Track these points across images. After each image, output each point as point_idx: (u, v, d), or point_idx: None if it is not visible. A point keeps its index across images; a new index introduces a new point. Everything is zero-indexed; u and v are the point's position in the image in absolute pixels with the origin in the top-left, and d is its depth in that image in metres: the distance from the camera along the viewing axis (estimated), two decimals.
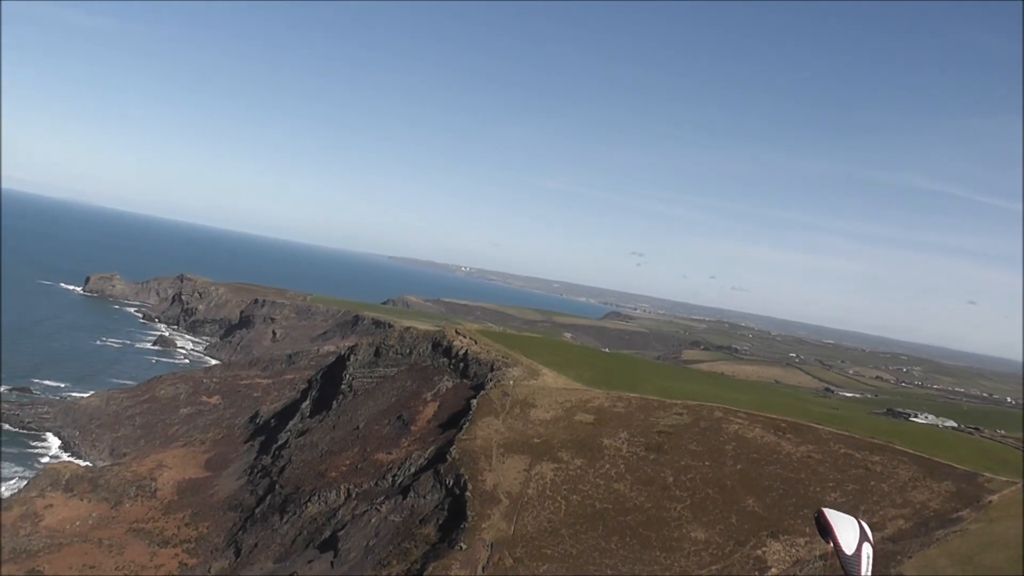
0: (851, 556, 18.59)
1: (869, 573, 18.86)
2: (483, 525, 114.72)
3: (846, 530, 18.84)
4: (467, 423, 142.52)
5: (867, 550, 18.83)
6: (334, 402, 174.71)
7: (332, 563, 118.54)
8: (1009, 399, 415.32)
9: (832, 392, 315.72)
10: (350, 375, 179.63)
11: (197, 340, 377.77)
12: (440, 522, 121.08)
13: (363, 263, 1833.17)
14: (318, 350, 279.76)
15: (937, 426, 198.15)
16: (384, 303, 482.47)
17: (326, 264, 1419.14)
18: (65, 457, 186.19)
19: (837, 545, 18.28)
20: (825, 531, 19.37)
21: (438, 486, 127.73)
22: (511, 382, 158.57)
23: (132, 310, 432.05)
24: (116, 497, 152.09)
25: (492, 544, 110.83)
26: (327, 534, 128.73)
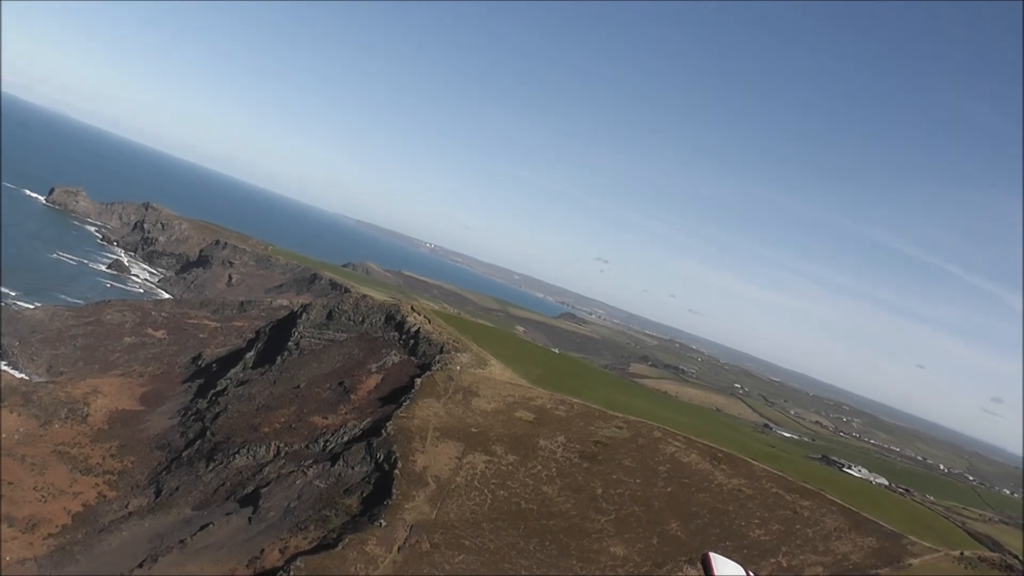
0: None
1: None
2: (406, 505, 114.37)
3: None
4: (408, 401, 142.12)
5: None
6: (279, 357, 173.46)
7: (250, 519, 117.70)
8: (942, 467, 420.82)
9: (771, 429, 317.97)
10: (299, 333, 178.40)
11: (152, 271, 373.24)
12: (364, 495, 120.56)
13: (330, 223, 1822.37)
14: (271, 302, 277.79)
15: (870, 481, 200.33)
16: (344, 266, 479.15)
17: (293, 217, 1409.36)
18: (1, 366, 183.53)
19: None
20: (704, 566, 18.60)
21: (368, 459, 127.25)
22: (458, 367, 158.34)
23: (92, 229, 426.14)
24: (47, 416, 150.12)
25: (412, 526, 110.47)
26: (250, 489, 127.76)
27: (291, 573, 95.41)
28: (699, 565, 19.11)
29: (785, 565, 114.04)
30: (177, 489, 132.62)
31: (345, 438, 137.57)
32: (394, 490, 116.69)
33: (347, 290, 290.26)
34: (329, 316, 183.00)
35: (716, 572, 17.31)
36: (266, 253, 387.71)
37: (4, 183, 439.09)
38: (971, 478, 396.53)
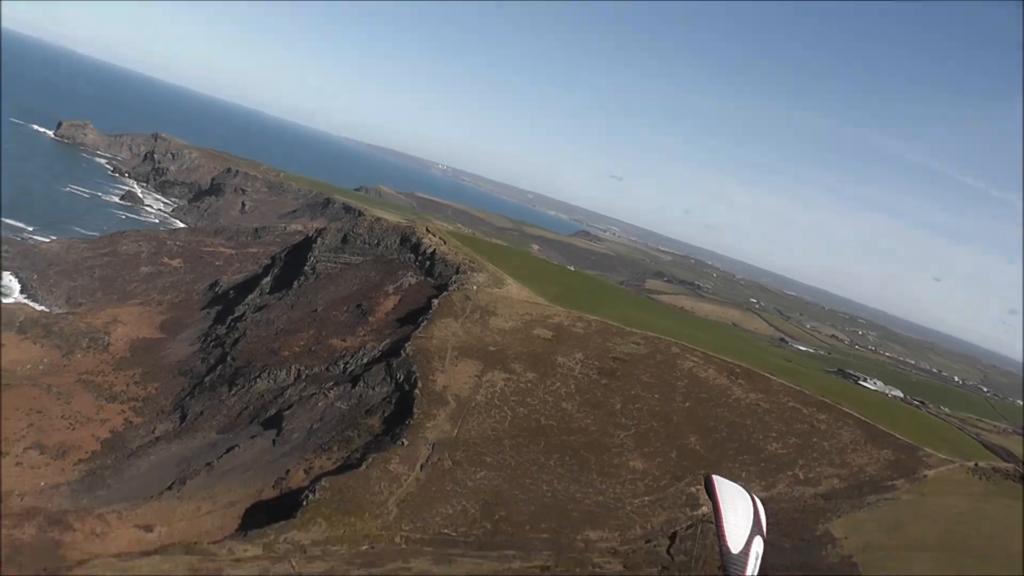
0: (736, 555, 17.00)
1: None
2: (428, 424, 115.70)
3: (735, 514, 17.34)
4: (425, 321, 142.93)
5: (757, 547, 17.20)
6: (295, 282, 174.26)
7: (274, 441, 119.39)
8: (957, 379, 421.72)
9: (787, 343, 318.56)
10: (315, 258, 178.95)
11: (165, 201, 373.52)
12: (386, 415, 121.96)
13: (340, 147, 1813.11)
14: (285, 228, 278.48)
15: (885, 394, 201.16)
16: (357, 189, 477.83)
17: (303, 143, 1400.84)
18: (21, 299, 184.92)
19: (721, 535, 16.90)
20: (709, 493, 18.33)
21: (388, 379, 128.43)
22: (475, 287, 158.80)
23: (103, 162, 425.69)
24: (68, 346, 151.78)
25: (434, 444, 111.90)
26: (272, 412, 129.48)
27: (317, 493, 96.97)
28: (703, 486, 19.01)
29: (802, 478, 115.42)
30: (201, 414, 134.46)
31: (364, 360, 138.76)
32: (415, 409, 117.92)
33: (360, 213, 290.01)
34: (344, 240, 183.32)
35: (719, 493, 17.30)
36: (278, 179, 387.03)
37: (11, 119, 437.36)
38: (985, 390, 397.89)
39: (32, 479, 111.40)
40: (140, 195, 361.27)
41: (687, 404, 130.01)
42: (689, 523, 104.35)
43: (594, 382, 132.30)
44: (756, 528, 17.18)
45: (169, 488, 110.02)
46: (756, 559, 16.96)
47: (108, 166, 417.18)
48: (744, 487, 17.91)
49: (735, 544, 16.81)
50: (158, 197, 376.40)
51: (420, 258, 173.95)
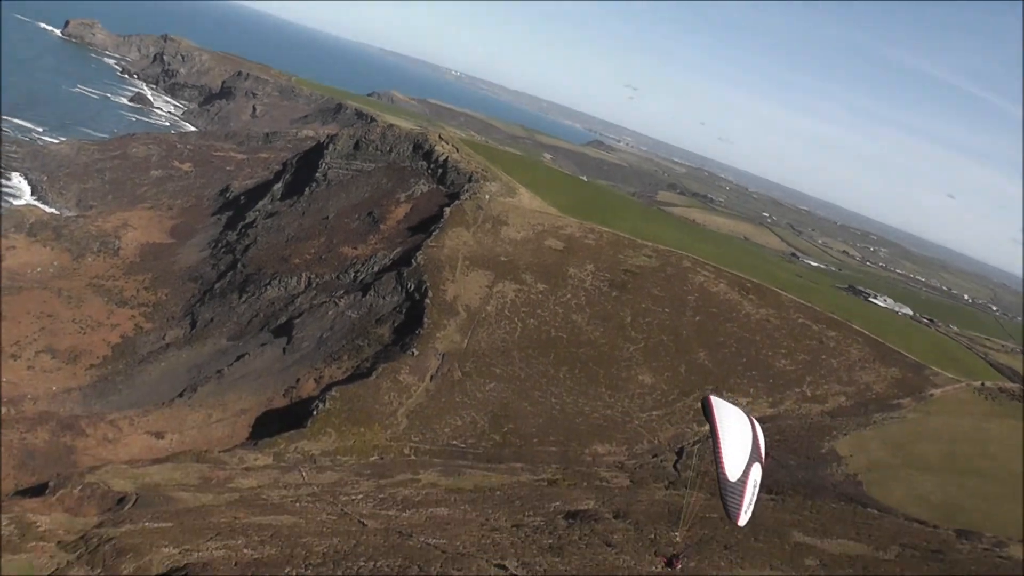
0: (734, 484, 16.13)
1: (751, 510, 16.59)
2: (438, 334, 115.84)
3: (734, 440, 16.44)
4: (437, 230, 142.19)
5: (755, 475, 16.36)
6: (307, 189, 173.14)
7: (284, 349, 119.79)
8: (967, 297, 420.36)
9: (798, 258, 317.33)
10: (326, 164, 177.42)
11: (175, 104, 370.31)
12: (396, 325, 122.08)
13: (353, 52, 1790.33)
14: (296, 133, 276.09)
15: (895, 311, 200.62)
16: (369, 95, 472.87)
17: (314, 47, 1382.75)
18: (31, 200, 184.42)
19: (719, 463, 16.03)
20: (706, 415, 17.57)
21: (399, 289, 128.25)
22: (487, 196, 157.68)
23: (111, 62, 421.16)
24: (79, 249, 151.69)
25: (444, 355, 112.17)
26: (283, 320, 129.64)
27: (327, 403, 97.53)
28: (700, 407, 18.28)
29: (809, 395, 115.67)
30: (212, 320, 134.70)
31: (375, 268, 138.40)
32: (425, 319, 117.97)
33: (373, 119, 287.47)
34: (356, 146, 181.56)
35: (717, 417, 16.58)
36: (289, 84, 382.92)
37: (16, 15, 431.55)
38: (995, 308, 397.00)
39: (44, 383, 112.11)
40: (150, 97, 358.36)
41: (697, 319, 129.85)
42: (696, 439, 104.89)
43: (605, 295, 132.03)
44: (755, 455, 16.55)
45: (180, 395, 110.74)
46: (754, 488, 16.33)
47: (117, 67, 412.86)
48: (743, 410, 17.29)
49: (733, 472, 16.16)
50: (168, 100, 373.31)
51: (432, 166, 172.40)
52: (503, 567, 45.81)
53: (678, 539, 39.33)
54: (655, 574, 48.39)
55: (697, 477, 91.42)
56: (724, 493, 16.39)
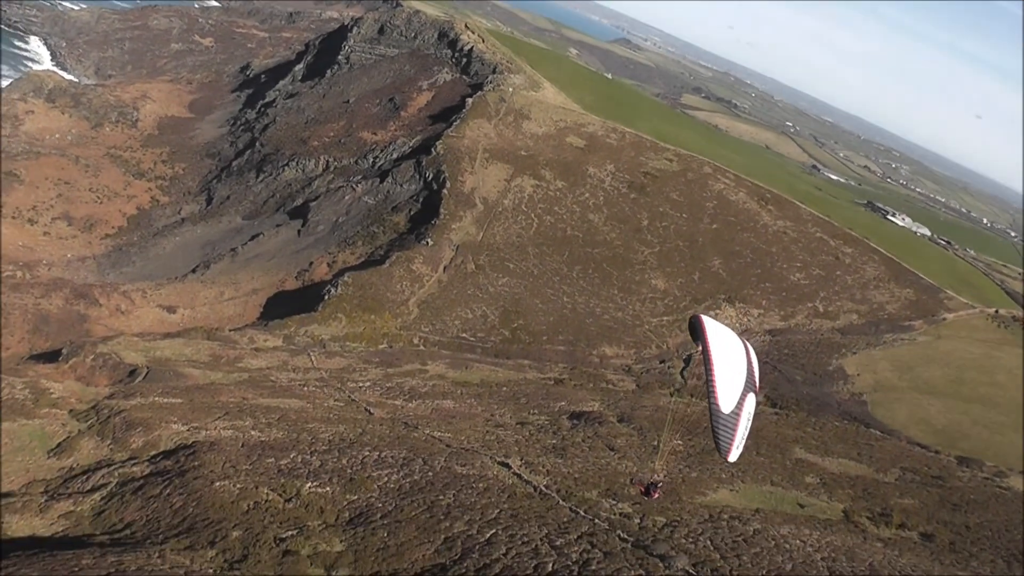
0: (727, 416, 15.14)
1: (743, 445, 15.74)
2: (453, 226, 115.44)
3: (728, 367, 15.46)
4: (458, 121, 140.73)
5: (749, 406, 15.35)
6: (328, 71, 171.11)
7: (299, 231, 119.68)
8: (985, 220, 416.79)
9: (818, 170, 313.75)
10: (350, 47, 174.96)
11: None
12: (412, 213, 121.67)
13: None
14: (321, 14, 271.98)
15: (913, 231, 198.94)
16: None
17: None
18: (50, 66, 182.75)
19: (712, 392, 15.12)
20: (697, 338, 16.63)
21: (417, 177, 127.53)
22: (510, 89, 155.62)
23: None
24: (97, 118, 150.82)
25: (458, 246, 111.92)
26: (299, 202, 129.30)
27: (339, 288, 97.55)
28: (689, 328, 17.28)
29: (821, 310, 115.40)
30: (228, 198, 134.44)
31: (394, 155, 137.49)
32: (442, 210, 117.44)
33: (399, 4, 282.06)
34: (381, 31, 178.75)
35: (710, 341, 15.81)
36: None
37: None
38: (1013, 234, 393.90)
39: (59, 250, 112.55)
40: None
41: (714, 226, 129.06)
42: None
43: (623, 196, 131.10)
44: (749, 384, 15.92)
45: (193, 271, 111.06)
46: (748, 420, 15.71)
47: None
48: (737, 334, 16.57)
49: (727, 403, 15.50)
50: None
51: (457, 55, 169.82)
52: (506, 465, 46.05)
53: (657, 468, 39.11)
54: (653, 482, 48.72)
55: (681, 398, 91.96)
56: (716, 426, 15.58)
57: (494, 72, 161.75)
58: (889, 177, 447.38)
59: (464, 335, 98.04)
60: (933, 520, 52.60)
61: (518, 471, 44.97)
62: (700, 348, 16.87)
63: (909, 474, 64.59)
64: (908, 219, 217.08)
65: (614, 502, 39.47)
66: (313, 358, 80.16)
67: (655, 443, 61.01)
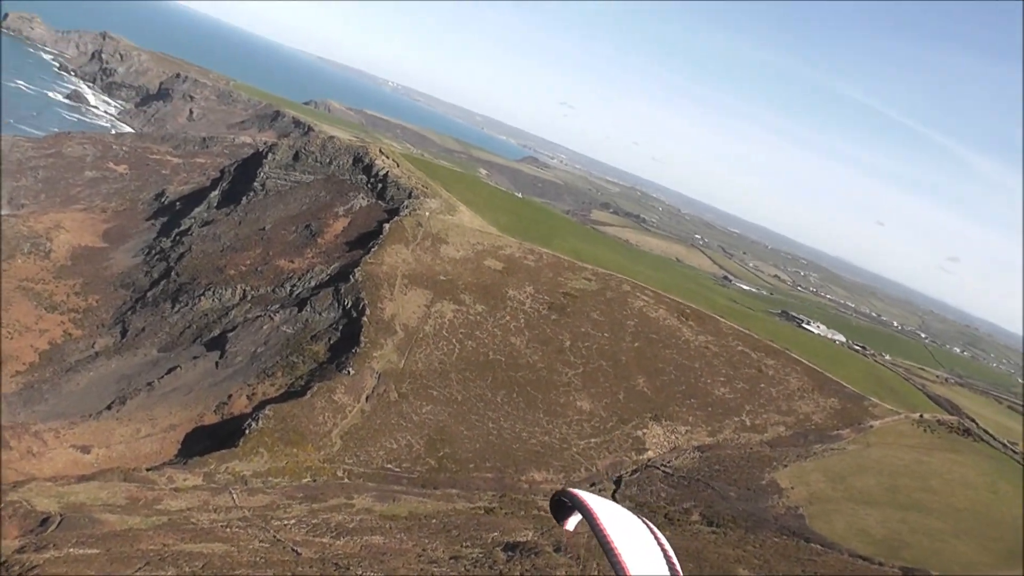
0: None
1: None
2: (375, 354, 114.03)
3: (631, 540, 13.64)
4: (376, 247, 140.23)
5: None
6: (244, 198, 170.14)
7: (217, 363, 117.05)
8: (896, 323, 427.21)
9: (730, 281, 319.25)
10: (265, 174, 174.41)
11: (112, 103, 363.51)
12: (332, 342, 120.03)
13: (290, 58, 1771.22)
14: (234, 139, 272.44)
15: (828, 339, 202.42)
16: (306, 103, 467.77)
17: (251, 52, 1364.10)
18: None
19: (615, 559, 13.24)
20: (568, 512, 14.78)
21: (336, 305, 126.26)
22: (427, 213, 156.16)
23: (48, 57, 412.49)
24: (9, 250, 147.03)
25: (380, 374, 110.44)
26: (216, 332, 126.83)
27: (259, 421, 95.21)
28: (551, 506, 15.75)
29: (748, 424, 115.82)
30: (143, 330, 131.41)
31: (312, 283, 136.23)
32: (362, 338, 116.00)
33: (310, 128, 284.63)
34: (296, 157, 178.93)
35: (594, 511, 14.29)
36: (227, 88, 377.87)
37: None
38: (923, 336, 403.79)
39: None
40: (86, 95, 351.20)
41: (636, 344, 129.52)
42: (634, 468, 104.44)
43: (544, 317, 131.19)
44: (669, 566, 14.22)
45: (108, 407, 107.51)
46: None
47: (54, 63, 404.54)
48: (638, 517, 14.96)
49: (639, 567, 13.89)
50: (105, 99, 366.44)
51: (372, 180, 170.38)
52: None
53: None
54: None
55: (637, 509, 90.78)
56: None
57: (410, 197, 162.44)
58: (799, 285, 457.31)
59: (389, 466, 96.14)
60: None
61: None
62: (577, 520, 15.37)
63: None
64: (823, 326, 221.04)
65: None
66: (235, 496, 77.66)
67: (595, 573, 59.80)
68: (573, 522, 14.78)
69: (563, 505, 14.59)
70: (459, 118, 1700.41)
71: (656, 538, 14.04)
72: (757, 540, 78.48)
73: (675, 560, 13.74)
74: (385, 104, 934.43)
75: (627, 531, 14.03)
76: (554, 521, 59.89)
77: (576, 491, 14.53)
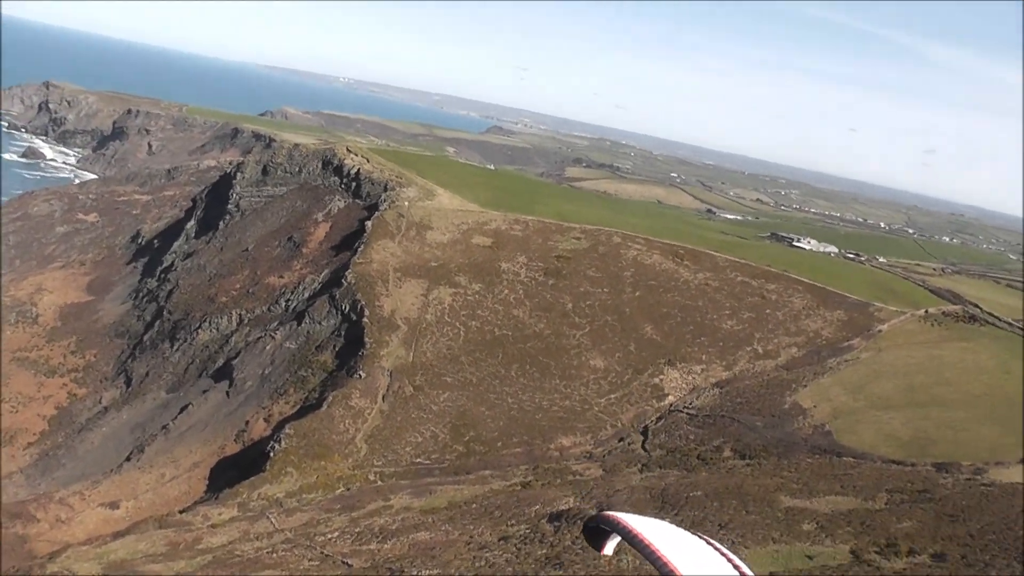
0: None
1: None
2: (381, 352, 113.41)
3: (673, 540, 12.86)
4: (362, 246, 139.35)
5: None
6: (221, 222, 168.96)
7: (228, 392, 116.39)
8: (883, 224, 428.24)
9: (714, 214, 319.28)
10: (237, 194, 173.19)
11: (69, 152, 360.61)
12: (337, 349, 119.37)
13: (237, 72, 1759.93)
14: (198, 165, 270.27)
15: (827, 254, 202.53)
16: (262, 114, 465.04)
17: (198, 73, 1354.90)
18: None
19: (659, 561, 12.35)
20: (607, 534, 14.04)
21: (334, 311, 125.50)
22: (406, 203, 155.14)
23: None
24: None
25: (391, 372, 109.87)
26: (220, 362, 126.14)
27: (282, 442, 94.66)
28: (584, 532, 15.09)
29: (761, 352, 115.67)
30: (147, 375, 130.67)
31: (306, 294, 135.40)
32: (367, 339, 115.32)
33: (272, 140, 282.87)
34: (264, 171, 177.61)
35: (624, 519, 13.54)
36: (181, 114, 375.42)
37: None
38: (911, 231, 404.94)
39: None
40: (42, 150, 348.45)
41: (637, 294, 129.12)
42: (658, 415, 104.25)
43: (542, 284, 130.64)
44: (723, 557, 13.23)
45: (128, 459, 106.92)
46: None
47: (2, 123, 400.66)
48: (697, 534, 14.01)
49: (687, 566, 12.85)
50: (61, 149, 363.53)
51: (345, 180, 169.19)
52: None
53: None
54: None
55: (669, 455, 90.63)
56: None
57: (386, 190, 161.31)
58: (782, 205, 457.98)
59: (419, 460, 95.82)
60: (938, 538, 52.07)
61: None
62: (616, 543, 14.38)
63: (896, 495, 64.17)
64: (814, 241, 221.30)
65: None
66: (273, 520, 77.37)
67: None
68: (611, 546, 13.83)
69: (598, 530, 13.66)
70: (417, 101, 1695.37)
71: (714, 546, 13.05)
72: (791, 465, 78.50)
73: (739, 562, 12.77)
74: (341, 101, 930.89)
75: (676, 542, 13.04)
76: (591, 482, 58.83)
77: (609, 513, 13.65)
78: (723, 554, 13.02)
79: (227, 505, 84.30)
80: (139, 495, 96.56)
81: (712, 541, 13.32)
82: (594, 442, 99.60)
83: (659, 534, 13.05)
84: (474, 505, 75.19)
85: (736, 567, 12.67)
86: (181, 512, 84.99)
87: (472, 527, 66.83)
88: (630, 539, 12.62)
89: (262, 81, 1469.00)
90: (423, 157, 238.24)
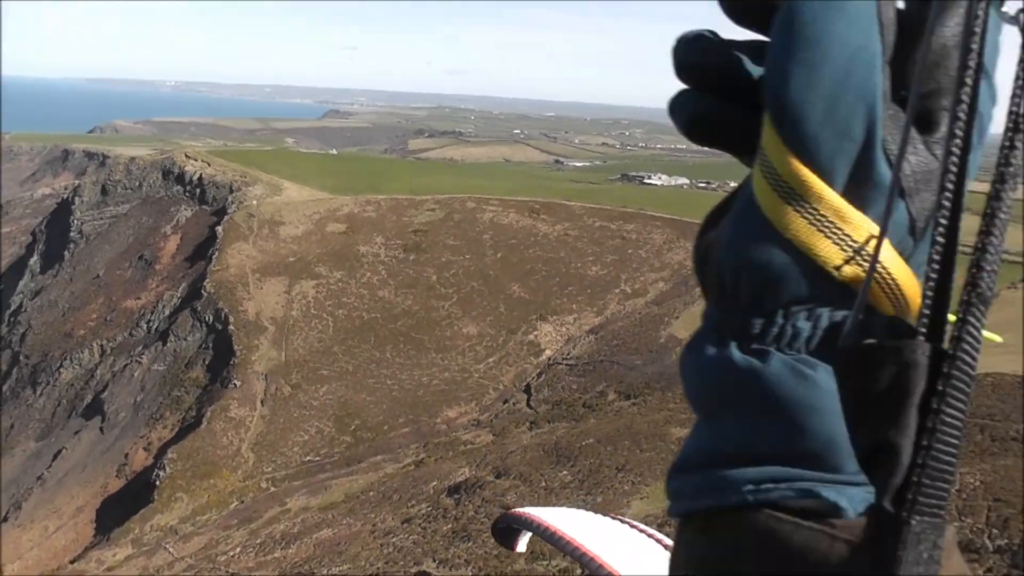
0: None
1: None
2: (253, 357, 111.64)
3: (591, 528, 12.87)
4: (216, 252, 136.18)
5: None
6: (66, 252, 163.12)
7: (101, 428, 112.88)
8: None
9: (562, 163, 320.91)
10: (78, 220, 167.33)
11: None
12: (207, 362, 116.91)
13: (60, 89, 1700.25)
14: (31, 195, 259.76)
15: (679, 187, 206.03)
16: (91, 131, 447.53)
17: (18, 95, 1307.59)
18: None
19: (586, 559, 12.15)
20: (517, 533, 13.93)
21: (198, 324, 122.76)
22: (254, 202, 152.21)
23: None
24: None
25: (266, 375, 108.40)
26: (89, 399, 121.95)
27: (166, 468, 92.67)
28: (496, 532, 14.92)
29: (630, 291, 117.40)
30: (12, 427, 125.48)
31: (167, 312, 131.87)
32: (236, 346, 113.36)
33: (106, 157, 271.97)
34: (103, 191, 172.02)
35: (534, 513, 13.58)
36: (6, 144, 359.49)
37: None
38: None
39: None
40: None
41: (499, 255, 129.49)
42: (538, 371, 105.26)
43: (403, 261, 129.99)
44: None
45: (4, 520, 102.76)
46: None
47: None
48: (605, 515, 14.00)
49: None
50: None
51: (189, 188, 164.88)
52: (427, 574, 44.23)
53: None
54: None
55: (554, 407, 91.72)
56: None
57: (232, 192, 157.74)
58: (628, 145, 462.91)
59: (309, 458, 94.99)
60: None
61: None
62: (528, 539, 14.23)
63: None
64: (664, 176, 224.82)
65: (546, 562, 38.52)
66: (171, 550, 75.89)
67: (542, 483, 60.25)
68: (524, 543, 13.64)
69: (508, 530, 13.42)
70: (248, 96, 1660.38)
71: (638, 528, 12.96)
72: (676, 396, 79.96)
73: (661, 536, 12.71)
74: (170, 106, 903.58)
75: (597, 533, 12.83)
76: (483, 448, 59.18)
77: (518, 511, 13.44)
78: (650, 535, 12.97)
79: (120, 544, 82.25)
80: (23, 554, 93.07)
81: (628, 520, 13.31)
82: (480, 409, 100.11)
83: (578, 527, 12.85)
84: (371, 493, 75.11)
85: (658, 540, 12.71)
86: (72, 562, 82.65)
87: (373, 515, 66.67)
88: (548, 537, 12.44)
89: (86, 96, 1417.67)
90: (264, 152, 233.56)
